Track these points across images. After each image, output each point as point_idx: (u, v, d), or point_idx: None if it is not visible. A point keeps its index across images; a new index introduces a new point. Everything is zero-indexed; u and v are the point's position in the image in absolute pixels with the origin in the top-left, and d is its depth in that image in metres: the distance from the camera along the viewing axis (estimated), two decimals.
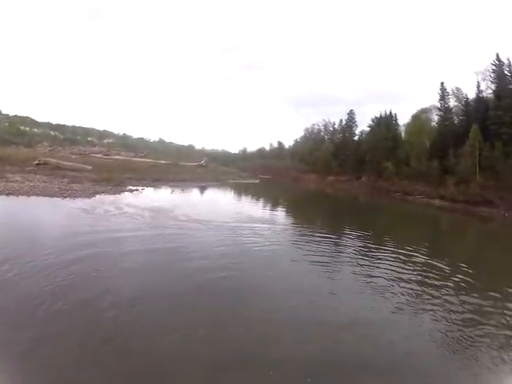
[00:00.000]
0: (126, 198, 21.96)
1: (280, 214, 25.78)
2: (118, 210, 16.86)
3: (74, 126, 71.02)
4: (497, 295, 9.05)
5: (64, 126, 68.58)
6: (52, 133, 53.60)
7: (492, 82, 50.28)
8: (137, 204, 19.16)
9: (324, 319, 7.08)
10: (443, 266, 11.82)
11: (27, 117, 58.98)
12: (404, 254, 13.30)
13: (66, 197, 18.86)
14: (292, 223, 21.17)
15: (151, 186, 29.42)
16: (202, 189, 34.52)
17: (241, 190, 40.17)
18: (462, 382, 5.40)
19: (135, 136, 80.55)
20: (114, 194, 22.61)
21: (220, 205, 24.88)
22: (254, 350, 5.83)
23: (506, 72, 48.29)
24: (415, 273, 10.91)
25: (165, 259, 9.91)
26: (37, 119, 62.62)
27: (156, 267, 9.20)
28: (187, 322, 6.43)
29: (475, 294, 9.03)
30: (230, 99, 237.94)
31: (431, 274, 10.78)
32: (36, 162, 28.11)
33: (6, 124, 48.31)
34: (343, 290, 9.01)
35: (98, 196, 20.78)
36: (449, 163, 45.11)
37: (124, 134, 79.38)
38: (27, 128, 49.44)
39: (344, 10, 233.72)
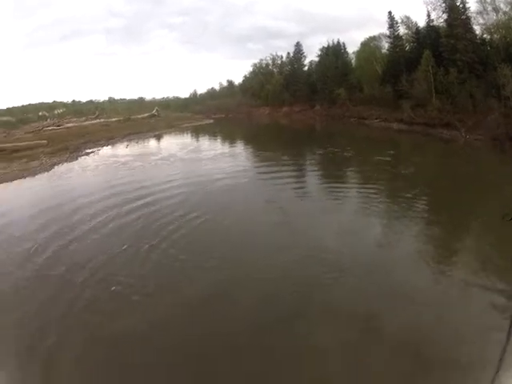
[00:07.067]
0: (84, 161, 24.17)
1: (240, 146, 29.33)
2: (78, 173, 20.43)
3: (23, 106, 70.11)
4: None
5: (13, 108, 67.61)
6: (4, 118, 52.86)
7: (443, 11, 48.76)
8: (96, 164, 22.67)
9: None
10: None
11: None
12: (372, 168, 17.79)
13: (25, 176, 19.96)
14: (255, 153, 25.51)
15: (107, 145, 30.80)
16: (157, 137, 36.23)
17: (195, 131, 41.75)
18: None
19: (84, 100, 79.67)
20: (72, 161, 24.27)
21: (173, 147, 28.20)
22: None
23: (457, 4, 46.94)
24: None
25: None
26: None
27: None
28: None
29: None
30: (173, 45, 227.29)
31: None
32: None
33: None
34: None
35: (56, 167, 22.38)
36: (402, 88, 44.37)
37: (73, 100, 78.36)
38: None
39: None
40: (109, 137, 34.25)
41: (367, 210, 11.81)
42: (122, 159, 23.72)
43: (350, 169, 18.76)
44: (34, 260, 8.82)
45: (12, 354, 5.80)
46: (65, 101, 78.76)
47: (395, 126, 39.70)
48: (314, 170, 19.09)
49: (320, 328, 6.09)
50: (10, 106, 68.19)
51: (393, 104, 44.45)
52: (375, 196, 13.30)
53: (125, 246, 9.48)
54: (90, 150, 28.11)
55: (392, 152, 23.21)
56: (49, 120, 49.63)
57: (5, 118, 51.16)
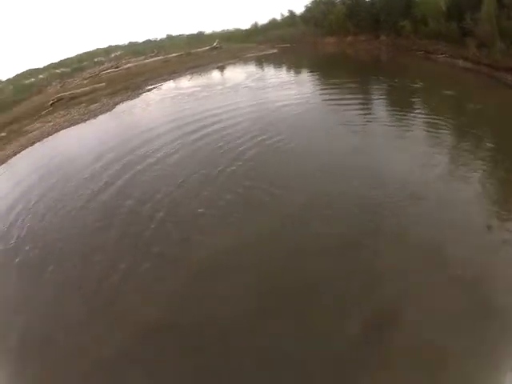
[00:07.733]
0: (147, 97, 22.91)
1: (307, 74, 28.44)
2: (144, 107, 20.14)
3: (78, 55, 67.90)
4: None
5: (68, 59, 64.58)
6: (58, 71, 51.47)
7: None
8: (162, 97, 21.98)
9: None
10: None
11: (27, 70, 57.48)
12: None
13: (86, 119, 19.48)
14: (322, 81, 24.74)
15: (169, 80, 28.39)
16: (221, 69, 33.08)
17: (259, 61, 38.19)
18: None
19: (141, 40, 76.07)
20: (134, 98, 22.80)
21: (238, 77, 26.45)
22: None
23: None
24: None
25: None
26: (39, 66, 59.98)
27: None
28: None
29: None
30: None
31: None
32: (50, 102, 26.81)
33: (11, 87, 45.96)
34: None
35: (118, 106, 21.21)
36: (467, 26, 39.24)
37: (129, 42, 74.84)
38: (32, 79, 47.67)
39: None
40: (170, 72, 31.30)
41: (436, 141, 11.68)
42: (187, 91, 22.45)
43: (418, 99, 18.02)
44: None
45: None
46: (120, 44, 75.97)
47: (461, 63, 34.21)
48: (383, 98, 18.31)
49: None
50: (64, 58, 66.03)
51: (459, 41, 37.91)
52: (443, 128, 12.91)
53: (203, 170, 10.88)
54: (152, 86, 26.02)
55: (459, 88, 21.68)
56: (106, 64, 47.53)
57: (58, 71, 49.69)
